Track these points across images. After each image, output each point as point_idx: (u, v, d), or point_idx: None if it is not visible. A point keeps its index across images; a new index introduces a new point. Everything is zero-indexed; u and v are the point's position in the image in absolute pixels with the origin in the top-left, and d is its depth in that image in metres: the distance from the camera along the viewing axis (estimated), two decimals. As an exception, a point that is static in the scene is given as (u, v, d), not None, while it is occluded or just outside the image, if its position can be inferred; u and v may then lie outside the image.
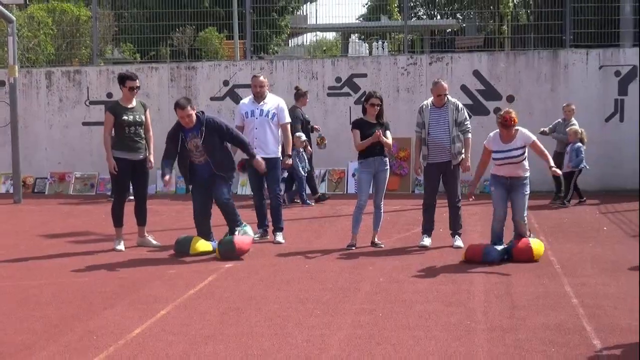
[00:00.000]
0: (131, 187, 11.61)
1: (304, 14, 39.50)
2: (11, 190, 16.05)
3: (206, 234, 10.05)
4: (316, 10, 46.01)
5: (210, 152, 9.72)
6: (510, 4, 22.64)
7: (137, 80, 10.21)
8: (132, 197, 12.13)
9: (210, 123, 9.74)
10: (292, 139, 12.06)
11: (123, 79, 10.30)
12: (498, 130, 9.24)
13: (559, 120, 15.04)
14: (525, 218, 9.01)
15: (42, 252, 11.70)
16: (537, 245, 9.24)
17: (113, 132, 11.05)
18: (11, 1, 14.88)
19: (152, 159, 11.12)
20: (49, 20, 26.68)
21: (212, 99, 16.28)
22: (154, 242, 11.15)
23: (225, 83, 17.44)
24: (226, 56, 23.21)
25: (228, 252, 9.59)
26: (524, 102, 16.25)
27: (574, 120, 14.60)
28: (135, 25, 26.27)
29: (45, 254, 11.52)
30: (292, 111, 13.75)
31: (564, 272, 9.33)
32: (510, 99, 16.27)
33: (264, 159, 10.95)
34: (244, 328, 7.45)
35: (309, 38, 40.95)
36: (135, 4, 27.89)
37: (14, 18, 15.13)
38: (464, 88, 16.40)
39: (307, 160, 14.16)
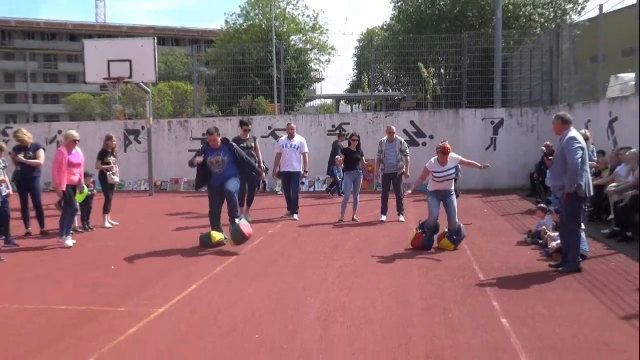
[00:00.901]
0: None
1: (314, 88, 48.52)
2: (147, 188, 19.40)
3: (218, 229, 10.19)
4: (321, 86, 49.59)
5: (227, 166, 10.08)
6: (431, 83, 24.77)
7: (215, 133, 10.14)
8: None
9: (232, 147, 10.23)
10: (334, 159, 14.13)
11: (211, 131, 10.27)
12: (436, 156, 9.68)
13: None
14: (457, 223, 9.59)
15: (167, 223, 12.90)
16: (444, 244, 9.64)
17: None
18: (147, 80, 16.23)
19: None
20: (170, 91, 32.31)
21: (262, 136, 19.29)
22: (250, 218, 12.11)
23: (269, 127, 20.76)
24: (269, 112, 28.71)
25: (239, 237, 9.57)
26: (438, 139, 18.30)
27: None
28: (218, 95, 32.45)
29: (168, 224, 12.74)
30: (335, 143, 17.53)
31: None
32: (431, 137, 19.27)
33: (291, 172, 13.27)
34: (279, 269, 8.58)
35: (317, 102, 46.22)
36: (217, 83, 34.58)
37: (149, 90, 18.66)
38: (405, 131, 19.34)
39: (341, 172, 15.12)
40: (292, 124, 13.97)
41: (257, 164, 12.52)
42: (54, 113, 64.51)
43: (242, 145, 12.43)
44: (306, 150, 13.43)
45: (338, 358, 5.14)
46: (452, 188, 9.85)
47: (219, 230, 10.14)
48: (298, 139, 13.42)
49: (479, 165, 9.93)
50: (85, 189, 11.50)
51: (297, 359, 5.13)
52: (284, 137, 13.76)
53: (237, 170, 10.22)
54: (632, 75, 13.79)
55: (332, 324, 6.03)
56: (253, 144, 13.03)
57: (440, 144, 9.70)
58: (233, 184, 10.05)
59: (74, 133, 10.95)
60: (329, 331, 5.80)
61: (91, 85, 22.59)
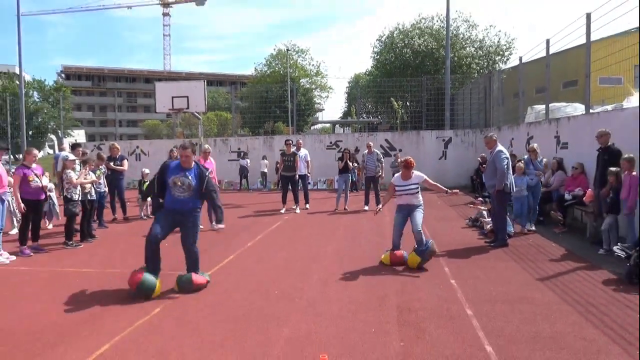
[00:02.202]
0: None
1: (317, 116, 50.32)
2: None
3: (155, 269, 5.78)
4: (322, 114, 49.99)
5: (192, 193, 5.86)
6: (400, 113, 24.87)
7: (190, 149, 5.97)
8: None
9: (202, 172, 5.98)
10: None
11: (185, 146, 6.05)
12: (400, 172, 7.14)
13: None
14: (420, 232, 6.77)
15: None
16: (411, 260, 6.77)
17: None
18: (199, 110, 16.27)
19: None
20: (215, 118, 33.60)
21: (279, 150, 18.18)
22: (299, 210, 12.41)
23: (285, 142, 19.71)
24: (285, 133, 28.51)
25: (188, 288, 5.75)
26: (406, 151, 18.46)
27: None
28: (249, 121, 33.36)
29: None
30: (360, 153, 15.93)
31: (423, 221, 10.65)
32: (400, 150, 18.73)
33: (301, 175, 12.95)
34: (293, 244, 8.63)
35: (319, 126, 47.04)
36: (248, 112, 35.22)
37: (201, 117, 18.32)
38: (381, 146, 19.05)
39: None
40: (301, 141, 13.96)
41: (295, 174, 12.52)
42: (133, 134, 64.87)
43: (286, 157, 12.65)
44: (309, 159, 13.33)
45: (334, 306, 5.14)
46: (418, 202, 7.07)
47: (156, 272, 5.75)
48: (304, 151, 13.35)
49: (445, 189, 7.30)
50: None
51: (306, 307, 5.14)
52: (293, 149, 13.42)
53: (199, 202, 6.09)
54: (543, 106, 13.85)
55: (329, 284, 6.02)
56: (293, 158, 12.63)
57: (404, 159, 7.23)
58: (195, 232, 6.07)
59: (207, 147, 10.92)
60: (327, 288, 5.80)
61: (160, 114, 22.63)
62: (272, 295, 5.59)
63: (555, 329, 4.43)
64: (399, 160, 9.68)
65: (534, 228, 9.34)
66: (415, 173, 7.07)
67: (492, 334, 4.32)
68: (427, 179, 7.15)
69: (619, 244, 6.92)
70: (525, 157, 9.97)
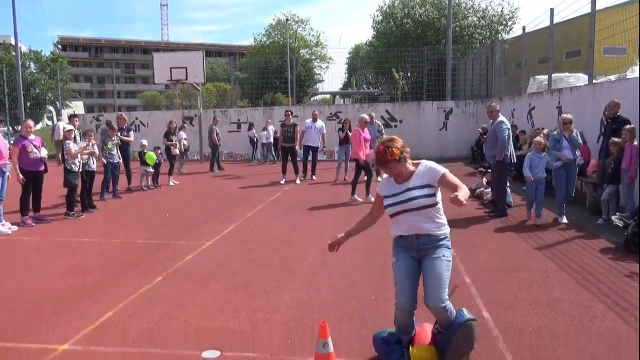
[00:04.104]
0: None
1: (317, 87, 48.81)
2: (199, 158, 18.08)
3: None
4: (322, 85, 49.42)
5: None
6: (401, 83, 24.49)
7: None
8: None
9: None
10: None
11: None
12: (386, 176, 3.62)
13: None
14: (446, 300, 3.04)
15: (213, 183, 12.79)
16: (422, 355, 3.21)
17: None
18: (198, 81, 16.16)
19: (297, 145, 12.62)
20: (214, 89, 32.05)
21: (279, 121, 17.21)
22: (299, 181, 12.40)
23: (284, 113, 19.44)
24: (285, 104, 27.84)
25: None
26: (406, 123, 18.86)
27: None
28: (248, 92, 33.46)
29: (214, 183, 12.69)
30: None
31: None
32: (400, 121, 18.80)
33: (312, 146, 12.97)
34: (294, 213, 8.75)
35: (319, 97, 46.99)
36: (248, 83, 35.30)
37: (200, 88, 18.44)
38: (382, 117, 18.57)
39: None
40: (316, 112, 13.78)
41: (295, 144, 12.53)
42: (132, 105, 64.30)
43: (285, 128, 12.62)
44: (324, 131, 13.24)
45: (334, 275, 5.17)
46: (442, 232, 3.18)
47: None
48: (320, 123, 13.22)
49: (460, 196, 3.09)
50: (154, 156, 11.52)
51: (306, 275, 5.19)
52: (309, 120, 13.32)
53: None
54: (545, 77, 13.70)
55: (329, 253, 5.82)
56: (293, 129, 12.60)
57: (379, 144, 3.21)
58: None
59: (365, 116, 10.24)
60: (327, 257, 5.77)
61: (159, 85, 22.39)
62: (273, 264, 5.62)
63: (552, 296, 4.47)
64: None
65: (565, 221, 7.44)
66: (421, 166, 3.20)
67: (490, 302, 4.35)
68: (447, 173, 3.17)
69: (617, 213, 6.94)
70: (555, 132, 7.94)
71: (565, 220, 7.47)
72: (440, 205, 3.20)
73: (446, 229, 3.21)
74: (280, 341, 3.66)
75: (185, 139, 15.56)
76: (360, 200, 9.41)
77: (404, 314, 3.15)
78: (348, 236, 3.52)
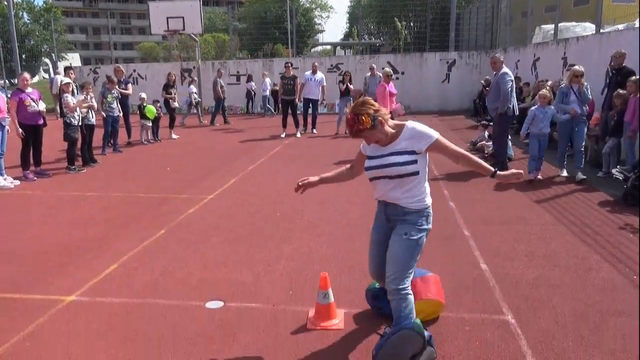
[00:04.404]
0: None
1: (317, 38, 48.47)
2: (194, 111, 16.39)
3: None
4: (322, 36, 48.40)
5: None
6: (403, 34, 23.78)
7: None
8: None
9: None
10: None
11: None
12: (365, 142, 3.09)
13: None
14: (397, 285, 2.68)
15: (213, 137, 12.73)
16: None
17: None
18: (196, 32, 15.73)
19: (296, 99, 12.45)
20: (212, 40, 30.94)
21: (279, 73, 17.05)
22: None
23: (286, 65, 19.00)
24: (285, 55, 27.12)
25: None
26: (408, 74, 18.48)
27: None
28: (247, 43, 32.57)
29: (214, 137, 12.64)
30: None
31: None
32: (402, 73, 18.37)
33: (312, 99, 12.65)
34: (294, 166, 8.76)
35: (319, 48, 45.59)
36: (247, 34, 34.02)
37: (198, 39, 17.77)
38: (383, 69, 17.52)
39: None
40: (316, 63, 13.39)
41: (295, 97, 12.38)
42: (129, 57, 63.20)
43: (286, 81, 12.39)
44: (324, 84, 12.87)
45: (334, 227, 5.23)
46: (415, 207, 2.79)
47: None
48: (320, 75, 12.83)
49: (489, 168, 3.08)
50: (154, 110, 11.40)
51: (306, 228, 5.24)
52: (308, 72, 12.95)
53: None
54: (552, 26, 13.36)
55: (329, 206, 6.10)
56: (293, 81, 12.37)
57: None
58: None
59: (389, 70, 9.80)
60: (327, 210, 5.88)
61: (156, 36, 21.89)
62: (273, 217, 5.67)
63: (550, 248, 4.54)
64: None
65: (565, 174, 7.37)
66: (406, 130, 2.78)
67: (488, 253, 4.42)
68: (442, 139, 2.78)
69: (618, 166, 6.93)
70: (563, 85, 7.46)
71: (565, 173, 7.42)
72: (423, 175, 2.80)
73: (422, 204, 2.80)
74: (281, 292, 3.74)
75: (195, 92, 15.43)
76: None
77: (374, 278, 3.17)
78: (320, 182, 3.22)
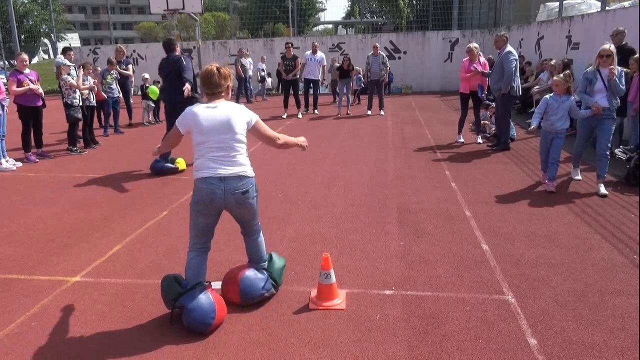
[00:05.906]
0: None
1: (319, 17, 48.28)
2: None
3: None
4: (324, 15, 47.98)
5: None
6: (405, 12, 23.50)
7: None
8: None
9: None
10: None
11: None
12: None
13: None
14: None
15: None
16: None
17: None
18: (195, 11, 15.50)
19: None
20: (212, 20, 30.72)
21: (280, 53, 17.10)
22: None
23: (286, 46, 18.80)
24: (286, 35, 27.17)
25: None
26: (410, 54, 18.41)
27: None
28: (248, 22, 32.02)
29: None
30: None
31: (424, 123, 11.08)
32: (404, 52, 18.28)
33: (312, 79, 12.54)
34: (296, 148, 9.21)
35: (320, 27, 45.12)
36: (247, 13, 33.59)
37: (198, 19, 17.46)
38: (385, 48, 18.13)
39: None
40: (316, 43, 13.20)
41: (297, 77, 12.36)
42: (129, 37, 62.60)
43: (287, 61, 12.32)
44: (324, 63, 12.75)
45: (337, 208, 5.24)
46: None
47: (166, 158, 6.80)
48: (320, 54, 12.65)
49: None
50: (157, 90, 11.34)
51: (309, 209, 5.25)
52: (308, 52, 12.70)
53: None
54: (557, 4, 13.17)
55: (332, 186, 6.10)
56: (294, 62, 12.29)
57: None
58: None
59: (473, 46, 8.46)
60: (330, 191, 5.88)
61: (156, 16, 21.58)
62: (276, 198, 5.68)
63: (550, 229, 4.55)
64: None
65: (579, 177, 6.25)
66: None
67: (489, 233, 4.44)
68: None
69: (621, 146, 6.90)
70: (589, 69, 5.77)
71: (579, 177, 6.24)
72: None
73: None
74: (284, 272, 3.78)
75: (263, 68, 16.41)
76: (462, 141, 8.65)
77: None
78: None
